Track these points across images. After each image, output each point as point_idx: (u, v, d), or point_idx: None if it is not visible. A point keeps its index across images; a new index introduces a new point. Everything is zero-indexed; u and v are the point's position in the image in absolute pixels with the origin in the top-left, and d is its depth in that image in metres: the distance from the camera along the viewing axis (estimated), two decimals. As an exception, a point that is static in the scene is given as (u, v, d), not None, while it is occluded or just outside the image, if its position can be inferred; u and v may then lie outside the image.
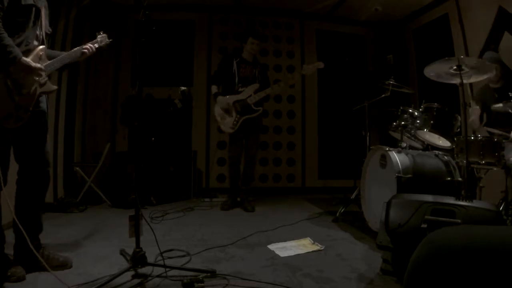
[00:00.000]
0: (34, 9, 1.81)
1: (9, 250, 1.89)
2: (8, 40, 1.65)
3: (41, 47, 1.88)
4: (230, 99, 3.67)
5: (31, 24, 1.81)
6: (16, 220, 1.79)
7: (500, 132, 2.59)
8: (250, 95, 3.65)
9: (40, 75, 1.82)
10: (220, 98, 3.70)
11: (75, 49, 2.05)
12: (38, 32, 1.89)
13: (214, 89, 3.81)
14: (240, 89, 3.70)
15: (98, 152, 4.22)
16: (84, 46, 2.07)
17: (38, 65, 1.79)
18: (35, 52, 1.83)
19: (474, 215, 1.72)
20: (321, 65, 3.63)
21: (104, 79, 4.77)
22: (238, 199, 3.85)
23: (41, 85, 1.87)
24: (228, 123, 3.68)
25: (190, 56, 4.98)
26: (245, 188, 3.84)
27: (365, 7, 4.80)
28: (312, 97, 5.25)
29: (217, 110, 3.72)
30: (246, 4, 4.99)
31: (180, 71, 4.82)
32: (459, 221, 1.70)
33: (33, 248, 1.75)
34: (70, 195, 3.82)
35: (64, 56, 1.98)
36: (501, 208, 2.36)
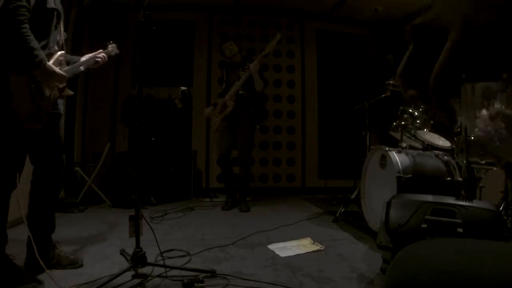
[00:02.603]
0: (56, 13, 1.84)
1: (13, 249, 1.89)
2: (35, 43, 1.66)
3: (60, 52, 1.90)
4: (217, 105, 3.86)
5: (53, 28, 1.84)
6: (25, 220, 1.80)
7: None
8: (230, 93, 3.73)
9: (63, 81, 1.87)
10: (210, 107, 3.96)
11: (89, 57, 2.09)
12: (58, 37, 1.91)
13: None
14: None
15: (98, 152, 4.22)
16: (97, 55, 2.12)
17: (62, 72, 1.83)
18: (55, 57, 1.85)
19: (474, 215, 1.71)
20: (278, 36, 3.59)
21: (104, 79, 4.78)
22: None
23: (60, 89, 1.91)
24: (211, 125, 3.93)
25: (190, 56, 4.98)
26: (242, 188, 3.84)
27: (365, 7, 4.80)
28: (312, 97, 5.25)
29: (212, 119, 3.97)
30: (246, 4, 4.99)
31: (180, 71, 4.83)
32: (459, 221, 1.70)
33: (37, 255, 1.75)
34: (70, 195, 3.82)
35: (80, 63, 2.03)
36: (501, 208, 2.36)
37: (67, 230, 2.78)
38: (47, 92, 1.79)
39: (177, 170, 4.41)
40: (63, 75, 1.84)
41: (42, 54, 1.70)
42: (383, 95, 3.31)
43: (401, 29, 5.13)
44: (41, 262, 1.75)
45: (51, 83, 1.80)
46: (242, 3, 4.96)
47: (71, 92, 2.03)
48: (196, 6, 4.95)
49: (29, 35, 1.64)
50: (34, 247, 1.76)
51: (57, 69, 1.79)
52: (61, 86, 1.89)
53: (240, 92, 3.69)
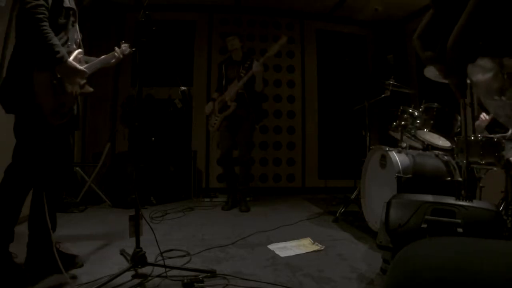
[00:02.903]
0: (72, 12, 1.87)
1: (15, 247, 1.89)
2: (56, 40, 1.69)
3: (79, 50, 1.93)
4: (216, 101, 3.82)
5: (70, 26, 1.87)
6: (47, 220, 1.82)
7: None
8: (230, 93, 3.71)
9: (84, 78, 1.91)
10: (210, 103, 3.91)
11: (107, 55, 2.15)
12: (75, 36, 1.94)
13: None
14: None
15: (98, 152, 4.22)
16: (114, 55, 2.18)
17: (83, 68, 1.86)
18: (74, 54, 1.87)
19: (474, 215, 1.72)
20: (284, 39, 3.56)
21: (104, 79, 4.77)
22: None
23: (81, 86, 1.94)
24: (211, 123, 3.88)
25: (190, 56, 4.99)
26: (242, 188, 3.83)
27: (365, 7, 4.80)
28: (312, 97, 5.25)
29: (211, 116, 3.92)
30: (246, 4, 4.99)
31: (180, 71, 4.83)
32: (459, 221, 1.70)
33: (55, 252, 1.77)
34: (70, 195, 3.82)
35: (97, 61, 2.07)
36: (501, 208, 2.36)
37: (67, 230, 2.78)
38: (69, 88, 1.83)
39: (177, 170, 4.40)
40: (84, 71, 1.88)
41: (63, 50, 1.73)
42: (383, 95, 3.31)
43: (401, 29, 5.15)
44: (60, 264, 1.76)
45: (72, 79, 1.84)
46: (242, 3, 4.97)
47: (91, 89, 2.06)
48: (196, 6, 4.96)
49: (50, 33, 1.66)
50: (54, 249, 1.77)
51: (78, 65, 1.83)
52: (81, 82, 1.93)
53: (240, 91, 3.68)
